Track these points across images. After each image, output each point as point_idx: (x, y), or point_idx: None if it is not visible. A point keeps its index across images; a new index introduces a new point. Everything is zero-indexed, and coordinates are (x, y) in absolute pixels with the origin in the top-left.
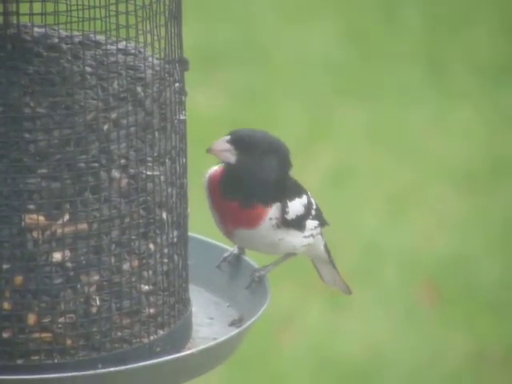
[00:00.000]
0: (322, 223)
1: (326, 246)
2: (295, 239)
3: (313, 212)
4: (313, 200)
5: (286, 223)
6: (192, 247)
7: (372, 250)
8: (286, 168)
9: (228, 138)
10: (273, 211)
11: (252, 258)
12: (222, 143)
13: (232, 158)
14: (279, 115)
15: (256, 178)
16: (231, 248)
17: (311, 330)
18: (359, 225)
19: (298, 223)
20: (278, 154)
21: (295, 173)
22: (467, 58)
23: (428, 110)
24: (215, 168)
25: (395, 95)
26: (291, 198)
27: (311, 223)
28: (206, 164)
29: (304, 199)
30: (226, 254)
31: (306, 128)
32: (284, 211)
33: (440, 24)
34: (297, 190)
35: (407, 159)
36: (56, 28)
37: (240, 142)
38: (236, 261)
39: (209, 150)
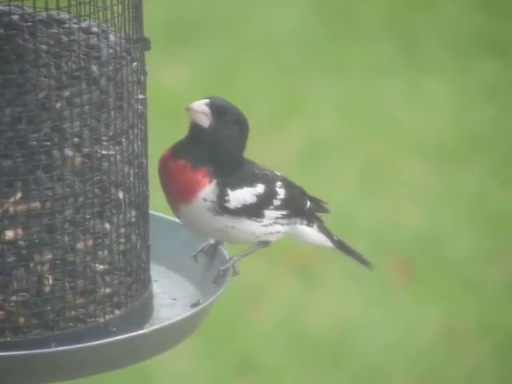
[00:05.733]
0: (301, 211)
1: (322, 232)
2: (252, 227)
3: (275, 202)
4: (281, 190)
5: (228, 211)
6: (162, 228)
7: (344, 224)
8: (243, 145)
9: (207, 101)
10: (208, 190)
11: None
12: (202, 105)
13: (206, 122)
14: (249, 92)
15: (220, 148)
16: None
17: (282, 305)
18: (331, 200)
19: (248, 212)
20: (243, 126)
21: (268, 148)
22: (439, 31)
23: (400, 84)
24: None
25: (367, 69)
26: (237, 186)
27: (273, 213)
28: (174, 139)
29: (258, 189)
30: (203, 245)
31: (277, 104)
32: (222, 198)
33: None
34: (249, 178)
35: (380, 134)
36: (21, 5)
37: (218, 107)
38: (213, 251)
39: (188, 109)
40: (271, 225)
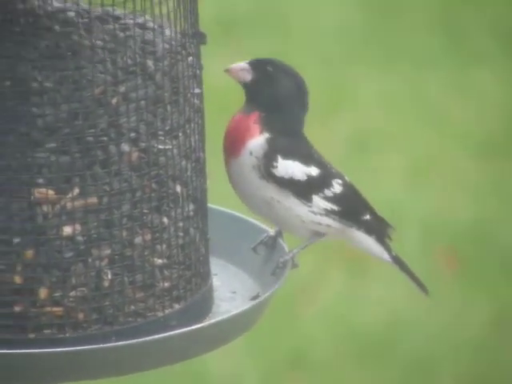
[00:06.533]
0: (354, 216)
1: (381, 243)
2: (298, 208)
3: (327, 192)
4: (338, 186)
5: (273, 177)
6: (222, 221)
7: (392, 216)
8: (296, 100)
9: (247, 60)
10: (256, 143)
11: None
12: (240, 64)
13: (248, 76)
14: None
15: (268, 94)
16: (270, 229)
17: (332, 299)
18: (379, 192)
19: (295, 189)
20: (293, 80)
21: (314, 141)
22: (487, 23)
23: (447, 77)
24: None
25: (414, 62)
26: (290, 157)
27: (323, 203)
28: None
29: (311, 170)
30: (262, 236)
31: (324, 98)
32: (270, 162)
33: None
34: (306, 157)
35: (427, 126)
36: (76, 2)
37: (257, 61)
38: (272, 243)
39: (226, 71)
40: (321, 215)
